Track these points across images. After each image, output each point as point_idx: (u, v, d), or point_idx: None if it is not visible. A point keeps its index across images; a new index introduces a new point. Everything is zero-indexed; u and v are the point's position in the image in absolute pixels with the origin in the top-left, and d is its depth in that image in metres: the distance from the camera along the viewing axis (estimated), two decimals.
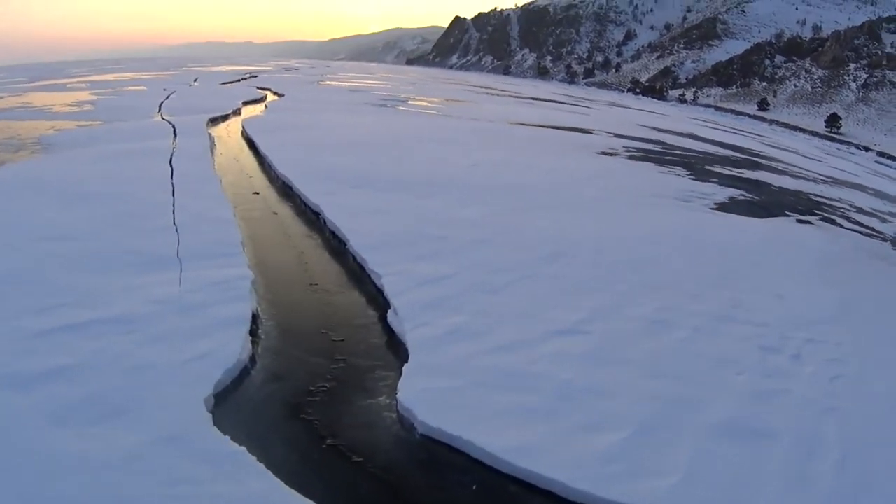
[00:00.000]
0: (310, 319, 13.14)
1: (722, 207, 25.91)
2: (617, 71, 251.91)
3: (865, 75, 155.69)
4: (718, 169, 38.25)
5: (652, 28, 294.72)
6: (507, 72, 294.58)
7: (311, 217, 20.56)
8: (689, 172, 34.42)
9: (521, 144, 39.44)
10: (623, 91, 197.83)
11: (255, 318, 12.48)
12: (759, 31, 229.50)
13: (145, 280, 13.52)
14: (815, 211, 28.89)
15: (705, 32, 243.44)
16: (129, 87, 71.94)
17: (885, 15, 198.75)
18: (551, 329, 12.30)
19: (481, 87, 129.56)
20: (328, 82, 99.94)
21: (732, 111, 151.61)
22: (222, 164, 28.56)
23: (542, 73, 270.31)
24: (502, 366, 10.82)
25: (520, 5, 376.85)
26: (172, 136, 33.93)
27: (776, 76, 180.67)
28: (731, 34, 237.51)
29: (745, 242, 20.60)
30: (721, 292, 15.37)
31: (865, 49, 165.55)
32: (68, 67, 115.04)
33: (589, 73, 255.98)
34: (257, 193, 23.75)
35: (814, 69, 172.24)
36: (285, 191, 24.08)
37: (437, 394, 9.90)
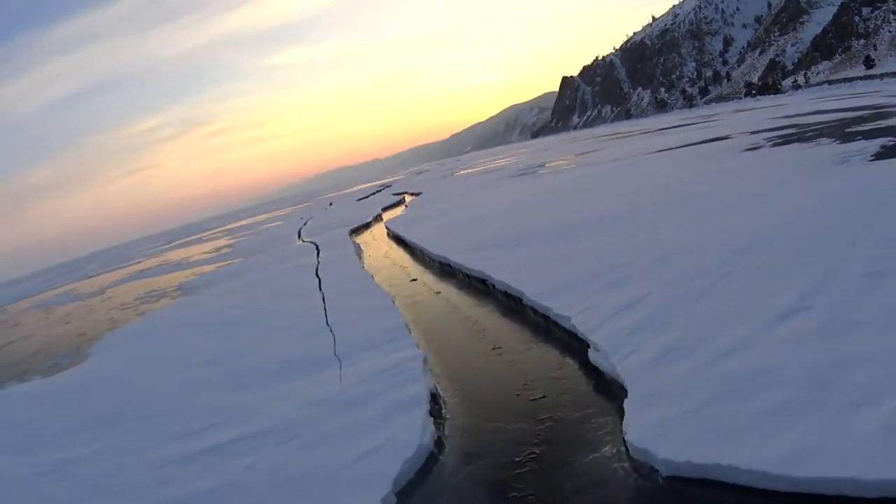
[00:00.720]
0: (499, 385, 11.04)
1: (879, 156, 23.24)
2: (728, 80, 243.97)
3: None
4: (857, 128, 35.25)
5: (745, 26, 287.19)
6: (628, 116, 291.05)
7: (477, 286, 18.75)
8: (833, 139, 31.70)
9: (666, 165, 37.04)
10: (741, 97, 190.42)
11: (434, 397, 10.54)
12: None
13: (299, 385, 12.03)
14: None
15: (793, 12, 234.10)
16: (266, 226, 74.09)
17: None
18: (771, 317, 9.77)
19: (608, 135, 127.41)
20: (462, 172, 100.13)
21: (843, 80, 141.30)
22: (372, 264, 27.59)
23: (661, 107, 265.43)
24: (735, 370, 8.41)
25: (617, 47, 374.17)
26: (315, 252, 33.51)
27: (869, 29, 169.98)
28: (815, 4, 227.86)
29: None
30: None
31: None
32: (203, 223, 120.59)
33: (704, 91, 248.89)
34: (415, 280, 22.25)
35: None
36: (444, 270, 22.52)
37: (671, 423, 7.54)
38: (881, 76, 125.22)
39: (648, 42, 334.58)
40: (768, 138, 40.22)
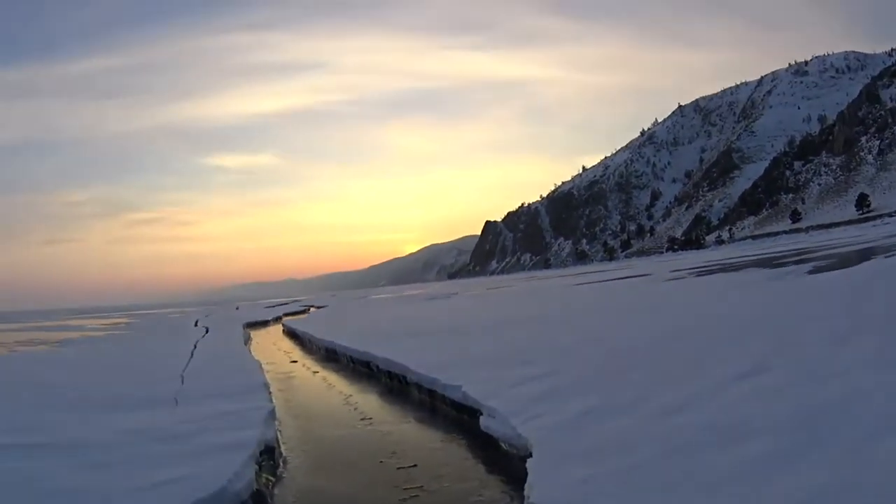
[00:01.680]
0: (360, 452, 8.61)
1: (815, 271, 22.78)
2: (651, 234, 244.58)
3: (878, 142, 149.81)
4: (785, 261, 35.17)
5: (674, 181, 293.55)
6: (547, 265, 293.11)
7: (361, 370, 16.49)
8: (761, 268, 31.28)
9: (582, 292, 35.63)
10: (662, 252, 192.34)
11: (271, 451, 8.06)
12: (773, 145, 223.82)
13: (126, 416, 9.55)
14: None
15: (724, 167, 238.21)
16: (168, 314, 71.96)
17: (876, 73, 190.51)
18: (723, 378, 7.67)
19: (523, 278, 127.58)
20: (373, 297, 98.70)
21: (767, 234, 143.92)
22: (257, 347, 25.16)
23: (580, 258, 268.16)
24: (688, 423, 6.24)
25: (545, 195, 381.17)
26: (204, 332, 31.04)
27: (799, 183, 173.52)
28: (747, 159, 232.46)
29: (860, 279, 16.75)
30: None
31: (870, 116, 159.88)
32: (115, 310, 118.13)
33: (626, 245, 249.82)
34: (295, 362, 20.06)
35: (831, 160, 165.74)
36: (328, 356, 20.25)
37: (605, 480, 5.22)
38: (806, 229, 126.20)
39: (576, 192, 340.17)
40: (690, 272, 39.65)
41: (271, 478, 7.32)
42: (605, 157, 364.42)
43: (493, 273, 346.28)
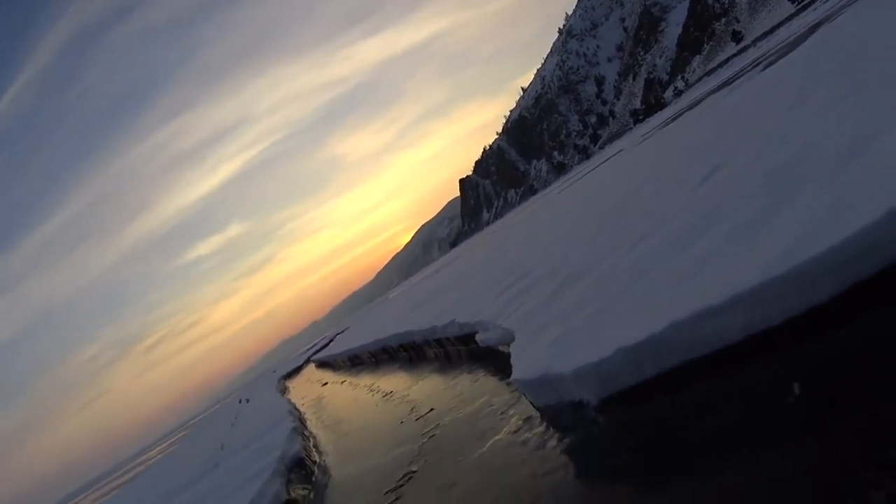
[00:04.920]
0: (385, 422, 8.82)
1: (766, 67, 24.31)
2: (613, 117, 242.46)
3: None
4: (740, 75, 35.02)
5: (609, 60, 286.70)
6: (533, 192, 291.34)
7: (381, 356, 16.75)
8: (716, 92, 31.05)
9: (558, 198, 35.60)
10: (631, 128, 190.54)
11: (300, 462, 8.19)
12: None
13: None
14: None
15: (649, 25, 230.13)
16: (216, 408, 73.15)
17: None
18: (684, 191, 7.65)
19: (511, 216, 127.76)
20: (387, 297, 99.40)
21: (719, 65, 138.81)
22: (294, 389, 26.21)
23: (559, 169, 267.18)
24: (658, 242, 6.12)
25: (500, 131, 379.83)
26: (245, 402, 31.83)
27: (726, 5, 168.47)
28: (667, 7, 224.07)
29: (808, 51, 17.31)
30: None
31: None
32: (170, 434, 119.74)
33: (595, 139, 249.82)
34: (325, 384, 20.65)
35: None
36: (353, 363, 20.74)
37: (576, 332, 5.18)
38: (753, 43, 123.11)
39: (526, 114, 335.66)
40: (658, 128, 39.77)
41: (306, 486, 7.35)
42: (538, 70, 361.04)
43: (488, 223, 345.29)
